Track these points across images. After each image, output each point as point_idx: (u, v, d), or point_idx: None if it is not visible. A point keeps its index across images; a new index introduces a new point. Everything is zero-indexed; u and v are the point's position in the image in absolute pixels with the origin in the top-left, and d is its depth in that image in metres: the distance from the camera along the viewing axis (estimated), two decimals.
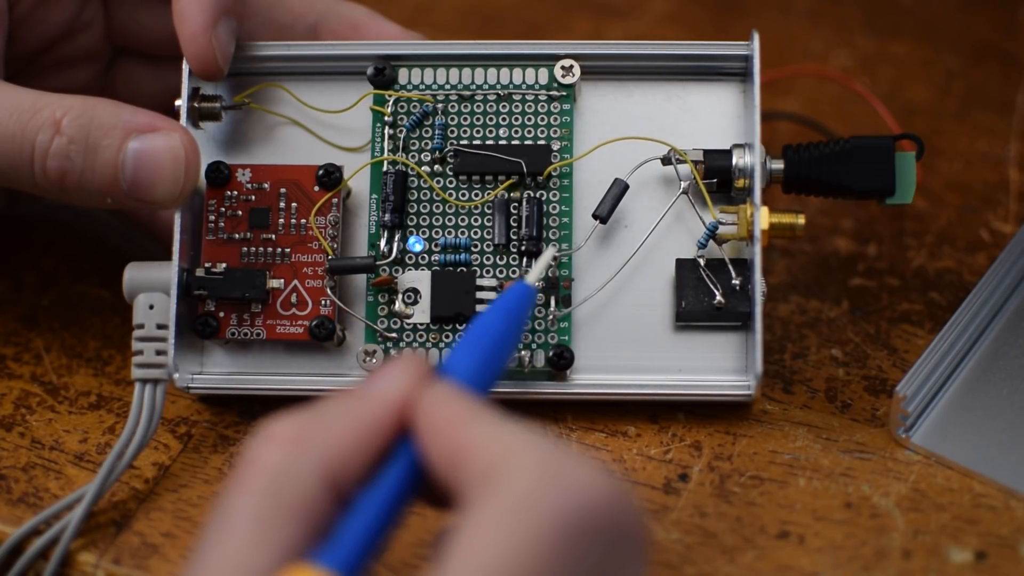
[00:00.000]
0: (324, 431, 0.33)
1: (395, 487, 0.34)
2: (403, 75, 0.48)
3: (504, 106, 0.48)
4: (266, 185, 0.48)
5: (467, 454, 0.33)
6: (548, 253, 0.42)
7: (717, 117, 0.48)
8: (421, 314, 0.47)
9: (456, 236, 0.47)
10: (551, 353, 0.46)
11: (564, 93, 0.48)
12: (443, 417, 0.34)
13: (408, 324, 0.47)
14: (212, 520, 0.33)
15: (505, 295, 0.38)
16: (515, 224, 0.47)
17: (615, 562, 0.32)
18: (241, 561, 0.32)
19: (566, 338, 0.47)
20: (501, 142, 0.48)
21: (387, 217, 0.47)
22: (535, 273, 0.39)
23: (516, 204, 0.47)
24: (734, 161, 0.46)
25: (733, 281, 0.46)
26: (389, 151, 0.48)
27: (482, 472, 0.32)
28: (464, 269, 0.47)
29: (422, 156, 0.48)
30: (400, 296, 0.47)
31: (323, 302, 0.47)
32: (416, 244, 0.47)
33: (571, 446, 0.46)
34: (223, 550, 0.32)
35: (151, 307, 0.46)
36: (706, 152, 0.47)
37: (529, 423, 0.34)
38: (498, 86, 0.48)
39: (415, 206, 0.48)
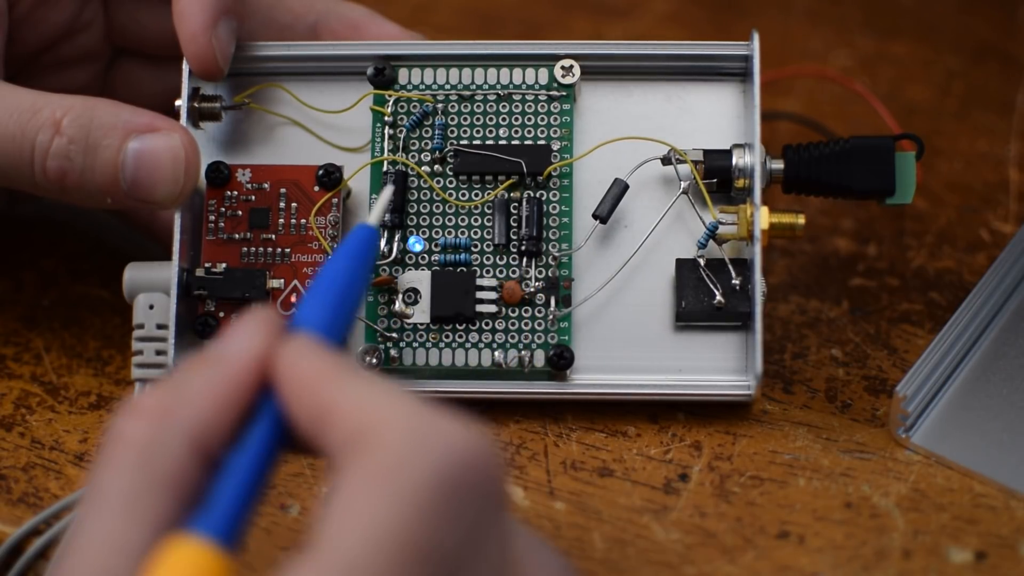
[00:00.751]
0: (186, 400, 0.33)
1: (262, 445, 0.33)
2: (403, 75, 0.48)
3: (504, 106, 0.48)
4: (266, 185, 0.48)
5: (332, 415, 0.32)
6: (387, 191, 0.41)
7: (717, 117, 0.48)
8: (421, 314, 0.47)
9: (456, 236, 0.47)
10: (551, 353, 0.46)
11: (564, 93, 0.48)
12: (304, 375, 0.33)
13: (408, 324, 0.47)
14: (83, 500, 0.33)
15: (348, 238, 0.37)
16: (515, 224, 0.47)
17: (489, 516, 0.32)
18: (115, 538, 0.31)
19: (566, 338, 0.47)
20: (501, 142, 0.48)
21: (387, 217, 0.47)
22: (375, 214, 0.38)
23: (516, 204, 0.47)
24: (734, 161, 0.46)
25: (733, 281, 0.46)
26: (389, 151, 0.48)
27: (350, 435, 0.32)
28: (464, 269, 0.47)
29: (422, 156, 0.48)
30: (400, 296, 0.47)
31: None
32: (416, 244, 0.47)
33: (570, 445, 0.46)
34: (95, 529, 0.32)
35: (151, 307, 0.46)
36: (706, 152, 0.47)
37: (391, 380, 0.34)
38: (498, 86, 0.48)
39: (415, 206, 0.48)
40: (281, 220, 0.48)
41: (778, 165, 0.47)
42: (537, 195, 0.47)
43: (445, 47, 0.48)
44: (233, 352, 0.34)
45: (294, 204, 0.48)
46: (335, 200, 0.47)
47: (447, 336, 0.47)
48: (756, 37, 0.47)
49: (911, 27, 0.63)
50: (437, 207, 0.48)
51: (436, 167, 0.48)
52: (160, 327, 0.46)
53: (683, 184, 0.47)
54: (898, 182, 0.46)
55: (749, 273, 0.46)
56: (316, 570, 0.30)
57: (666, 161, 0.47)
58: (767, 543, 0.43)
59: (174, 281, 0.46)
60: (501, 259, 0.47)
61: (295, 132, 0.49)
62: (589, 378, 0.47)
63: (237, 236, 0.47)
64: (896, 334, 0.50)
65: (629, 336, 0.47)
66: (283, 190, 0.48)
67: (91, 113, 0.44)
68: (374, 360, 0.46)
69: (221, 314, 0.47)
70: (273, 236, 0.47)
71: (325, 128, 0.49)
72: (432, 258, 0.47)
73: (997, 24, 0.63)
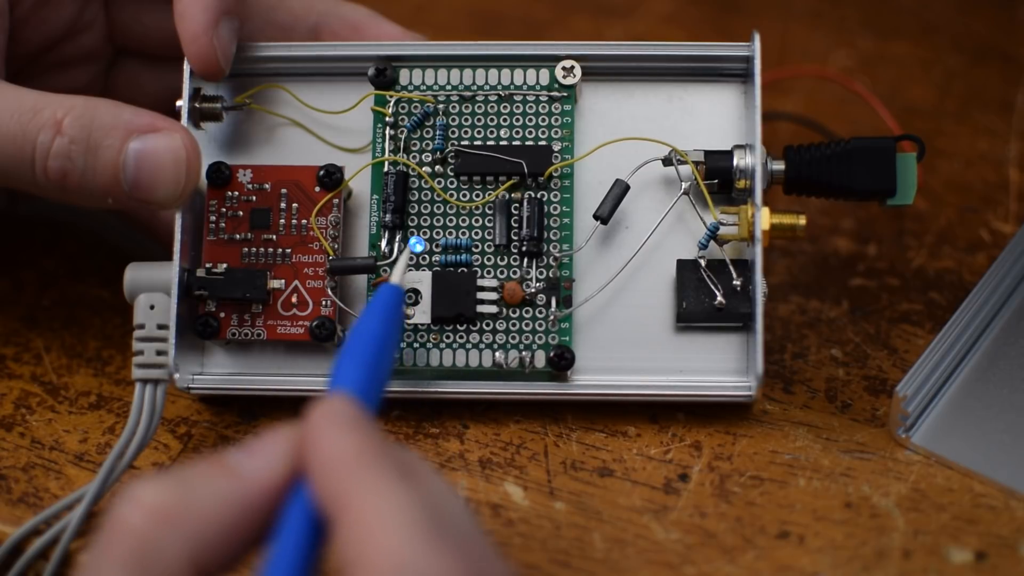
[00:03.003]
0: (193, 511, 0.32)
1: (299, 527, 0.33)
2: (404, 76, 0.48)
3: (505, 107, 0.48)
4: (267, 186, 0.48)
5: (342, 518, 0.32)
6: (404, 255, 0.42)
7: (718, 118, 0.48)
8: (422, 315, 0.47)
9: (457, 237, 0.47)
10: (552, 354, 0.46)
11: (565, 94, 0.48)
12: (329, 454, 0.33)
13: (409, 325, 0.47)
14: None
15: (375, 298, 0.38)
16: (516, 225, 0.47)
17: None
18: None
19: (567, 339, 0.47)
20: (502, 143, 0.48)
21: (388, 218, 0.47)
22: (397, 274, 0.39)
23: (517, 205, 0.47)
24: (735, 162, 0.47)
25: (734, 282, 0.46)
26: (390, 152, 0.48)
27: (345, 557, 0.31)
28: (465, 270, 0.47)
29: (423, 157, 0.48)
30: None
31: (324, 303, 0.47)
32: (417, 245, 0.47)
33: (571, 445, 0.46)
34: None
35: (152, 307, 0.46)
36: (707, 153, 0.47)
37: (411, 466, 0.33)
38: (499, 87, 0.48)
39: (416, 207, 0.48)
40: (282, 220, 0.48)
41: (779, 166, 0.47)
42: (538, 196, 0.47)
43: (446, 48, 0.48)
44: (252, 471, 0.33)
45: (295, 204, 0.48)
46: (336, 200, 0.47)
47: (448, 337, 0.47)
48: (757, 38, 0.47)
49: (911, 27, 0.63)
50: (438, 208, 0.48)
51: (437, 168, 0.48)
52: (161, 327, 0.46)
53: (684, 185, 0.47)
54: (899, 183, 0.46)
55: (750, 274, 0.46)
56: None
57: (667, 162, 0.47)
58: (767, 543, 0.43)
59: (175, 281, 0.46)
60: (502, 260, 0.47)
61: (296, 133, 0.49)
62: (590, 379, 0.47)
63: (238, 236, 0.47)
64: (896, 334, 0.50)
65: (630, 337, 0.47)
66: (284, 190, 0.48)
67: (92, 113, 0.44)
68: None
69: (222, 314, 0.47)
70: (274, 236, 0.47)
71: (326, 129, 0.49)
72: (433, 259, 0.47)
73: (997, 24, 0.63)
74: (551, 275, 0.47)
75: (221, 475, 0.33)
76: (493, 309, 0.47)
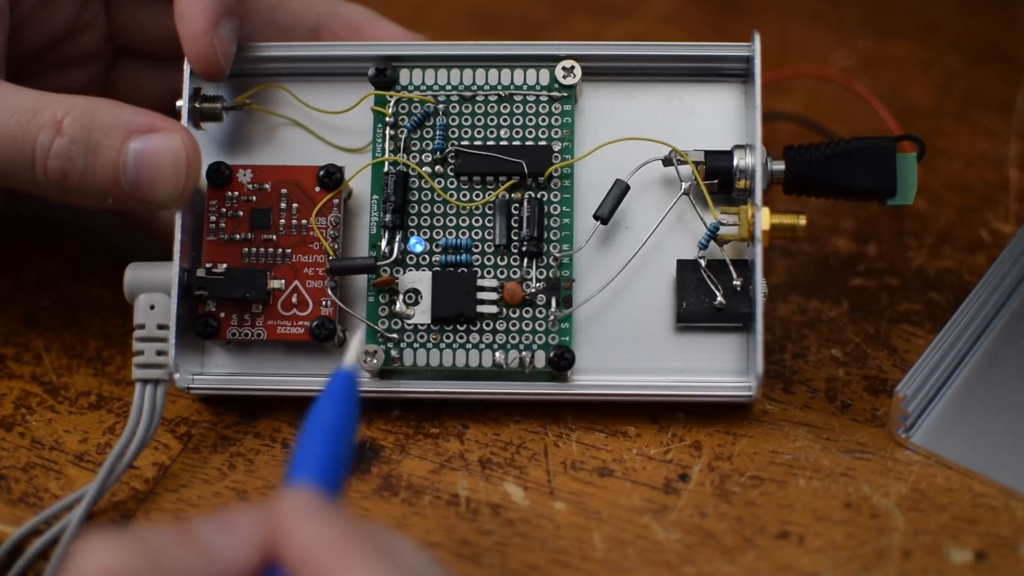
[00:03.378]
0: None
1: None
2: (404, 76, 0.48)
3: (505, 107, 0.48)
4: (267, 186, 0.48)
5: None
6: (357, 336, 0.41)
7: (718, 118, 0.48)
8: (422, 315, 0.47)
9: (457, 237, 0.47)
10: (552, 354, 0.46)
11: (565, 94, 0.48)
12: (305, 545, 0.32)
13: (409, 325, 0.47)
14: None
15: (329, 385, 0.37)
16: (516, 225, 0.47)
17: None
18: None
19: (567, 339, 0.47)
20: (502, 143, 0.48)
21: (388, 218, 0.47)
22: (350, 356, 0.38)
23: (517, 205, 0.47)
24: (735, 162, 0.47)
25: (734, 282, 0.46)
26: (390, 152, 0.48)
27: None
28: (465, 270, 0.47)
29: (423, 157, 0.48)
30: (401, 297, 0.47)
31: (324, 303, 0.47)
32: (417, 245, 0.47)
33: (571, 445, 0.46)
34: None
35: (152, 307, 0.46)
36: (707, 153, 0.47)
37: (383, 550, 0.33)
38: (499, 87, 0.48)
39: (416, 207, 0.48)
40: (282, 220, 0.48)
41: (779, 166, 0.47)
42: (538, 196, 0.47)
43: (446, 48, 0.48)
44: (222, 550, 0.32)
45: (295, 204, 0.48)
46: (336, 201, 0.47)
47: (448, 337, 0.47)
48: (757, 38, 0.47)
49: (911, 27, 0.63)
50: (438, 208, 0.48)
51: (437, 168, 0.48)
52: (161, 327, 0.46)
53: (684, 185, 0.47)
54: (899, 183, 0.46)
55: (750, 274, 0.46)
56: None
57: (667, 162, 0.47)
58: (767, 543, 0.43)
59: (175, 281, 0.46)
60: (502, 260, 0.47)
61: (296, 133, 0.49)
62: (590, 379, 0.47)
63: (238, 236, 0.47)
64: (896, 334, 0.50)
65: (630, 337, 0.47)
66: (284, 190, 0.48)
67: (92, 113, 0.44)
68: (375, 360, 0.46)
69: (222, 314, 0.47)
70: (274, 236, 0.47)
71: (326, 129, 0.49)
72: (433, 259, 0.47)
73: (997, 24, 0.63)
74: (551, 275, 0.47)
75: (189, 550, 0.31)
76: (493, 309, 0.47)
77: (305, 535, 0.32)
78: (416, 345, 0.47)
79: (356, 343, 0.39)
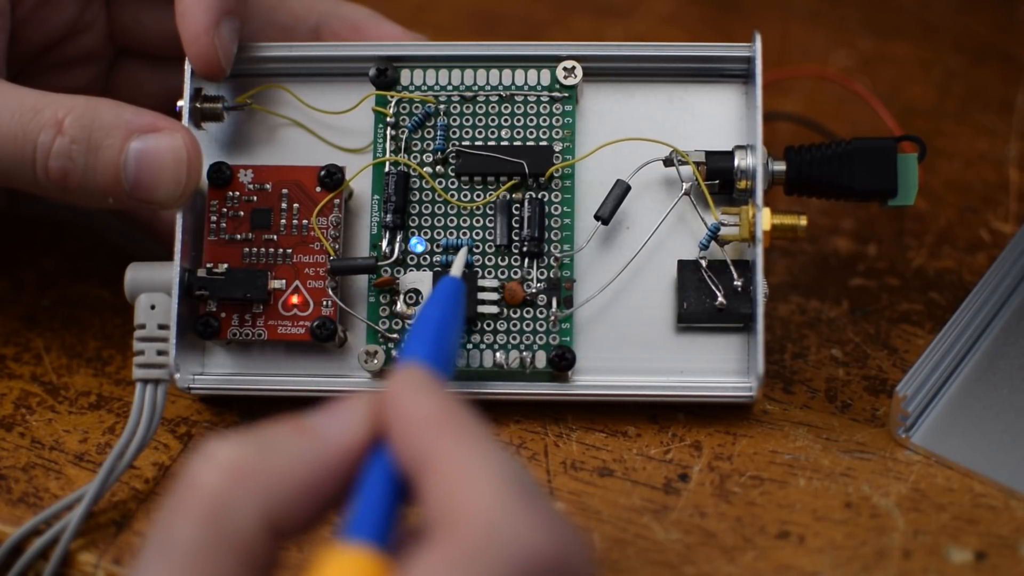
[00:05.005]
0: (270, 469, 0.32)
1: (384, 471, 0.33)
2: (405, 76, 0.48)
3: (506, 107, 0.48)
4: (268, 186, 0.48)
5: (428, 477, 0.32)
6: (463, 252, 0.43)
7: (719, 118, 0.48)
8: None
9: (458, 237, 0.47)
10: (553, 354, 0.46)
11: (566, 94, 0.48)
12: (411, 417, 0.33)
13: (409, 325, 0.47)
14: (150, 539, 0.32)
15: (437, 288, 0.39)
16: (517, 225, 0.47)
17: None
18: None
19: (568, 339, 0.47)
20: (503, 143, 0.48)
21: (389, 218, 0.47)
22: (456, 267, 0.40)
23: (518, 205, 0.47)
24: (736, 162, 0.47)
25: (735, 282, 0.46)
26: (391, 152, 0.48)
27: (436, 511, 0.31)
28: (466, 270, 0.47)
29: (424, 157, 0.48)
30: (402, 297, 0.47)
31: (325, 303, 0.47)
32: (418, 245, 0.47)
33: (571, 445, 0.46)
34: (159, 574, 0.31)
35: (152, 307, 0.46)
36: (708, 153, 0.47)
37: (491, 437, 0.33)
38: (500, 87, 0.48)
39: (417, 207, 0.48)
40: (283, 221, 0.47)
41: (780, 167, 0.47)
42: (539, 196, 0.47)
43: (447, 48, 0.48)
44: (333, 433, 0.33)
45: (296, 205, 0.48)
46: (337, 201, 0.47)
47: None
48: (758, 39, 0.47)
49: (911, 27, 0.63)
50: (439, 208, 0.48)
51: (438, 168, 0.48)
52: (161, 327, 0.46)
53: (685, 185, 0.47)
54: (900, 183, 0.46)
55: (751, 274, 0.46)
56: None
57: (668, 162, 0.47)
58: (767, 543, 0.43)
59: (175, 281, 0.46)
60: (503, 260, 0.47)
61: (297, 133, 0.49)
62: (591, 379, 0.47)
63: (239, 236, 0.47)
64: (896, 334, 0.50)
65: (631, 337, 0.47)
66: (285, 191, 0.48)
67: (93, 113, 0.43)
68: (375, 360, 0.46)
69: (222, 315, 0.47)
70: (275, 237, 0.47)
71: (327, 129, 0.49)
72: (434, 259, 0.47)
73: (997, 24, 0.63)
74: (552, 275, 0.47)
75: (300, 436, 0.32)
76: (494, 309, 0.47)
77: (414, 407, 0.33)
78: None
79: (462, 255, 0.42)
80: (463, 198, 0.48)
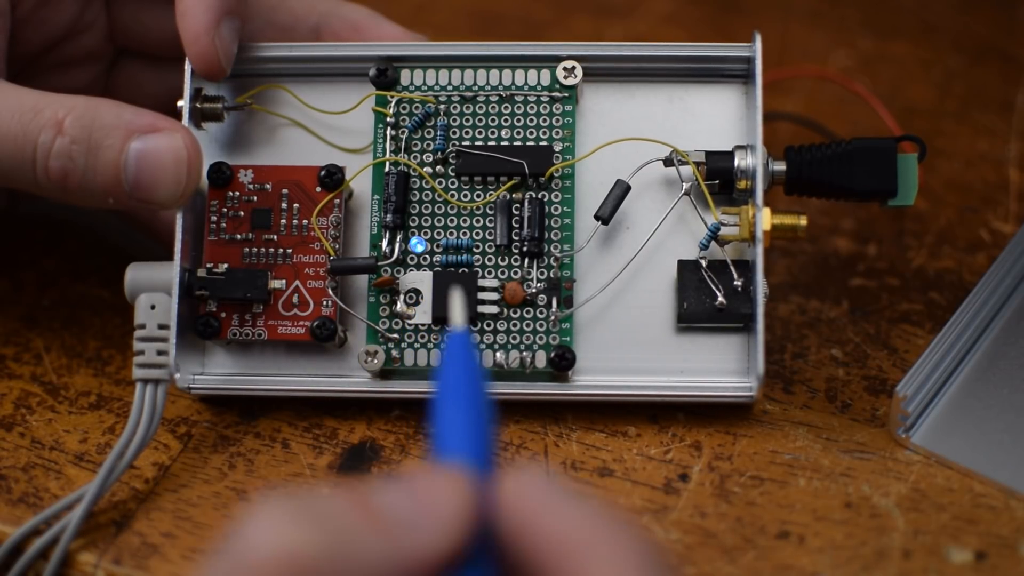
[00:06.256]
0: (343, 573, 0.26)
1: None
2: (405, 76, 0.48)
3: (506, 107, 0.48)
4: (268, 186, 0.48)
5: (547, 539, 0.28)
6: (456, 296, 0.35)
7: (719, 118, 0.48)
8: (423, 315, 0.47)
9: (458, 237, 0.47)
10: (553, 354, 0.46)
11: (566, 94, 0.48)
12: (528, 506, 0.28)
13: (410, 325, 0.47)
14: None
15: (447, 349, 0.33)
16: (517, 225, 0.47)
17: None
18: None
19: (568, 339, 0.47)
20: (503, 143, 0.48)
21: (389, 218, 0.47)
22: (456, 318, 0.35)
23: (518, 205, 0.47)
24: (736, 163, 0.47)
25: (735, 282, 0.46)
26: (391, 152, 0.48)
27: (560, 554, 0.28)
28: (466, 270, 0.47)
29: (424, 157, 0.48)
30: (402, 297, 0.47)
31: (324, 303, 0.47)
32: (418, 245, 0.47)
33: (571, 445, 0.46)
34: None
35: (153, 307, 0.46)
36: (708, 153, 0.47)
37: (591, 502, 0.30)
38: (500, 87, 0.48)
39: (417, 207, 0.48)
40: (283, 221, 0.48)
41: (780, 167, 0.47)
42: (539, 196, 0.47)
43: (447, 48, 0.48)
44: (418, 538, 0.27)
45: (296, 205, 0.48)
46: (337, 201, 0.47)
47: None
48: (758, 39, 0.47)
49: (911, 27, 0.63)
50: (439, 208, 0.48)
51: (438, 168, 0.48)
52: (162, 327, 0.46)
53: (685, 185, 0.47)
54: (900, 184, 0.46)
55: (751, 274, 0.46)
56: None
57: (668, 162, 0.47)
58: (767, 543, 0.43)
59: (176, 281, 0.46)
60: (503, 260, 0.47)
61: (297, 133, 0.49)
62: (591, 379, 0.47)
63: (239, 236, 0.47)
64: (896, 334, 0.50)
65: (631, 337, 0.47)
66: (285, 191, 0.48)
67: (93, 113, 0.44)
68: (375, 360, 0.46)
69: (222, 314, 0.47)
70: (275, 237, 0.47)
71: (327, 129, 0.49)
72: (434, 259, 0.47)
73: (997, 24, 0.63)
74: (552, 275, 0.47)
75: (380, 534, 0.27)
76: (494, 309, 0.47)
77: (556, 520, 0.28)
78: (417, 345, 0.47)
79: (456, 302, 0.35)
80: (463, 198, 0.48)
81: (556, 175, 0.47)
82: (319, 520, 0.27)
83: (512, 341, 0.47)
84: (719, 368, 0.47)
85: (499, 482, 0.29)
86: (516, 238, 0.47)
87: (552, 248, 0.47)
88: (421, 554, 0.27)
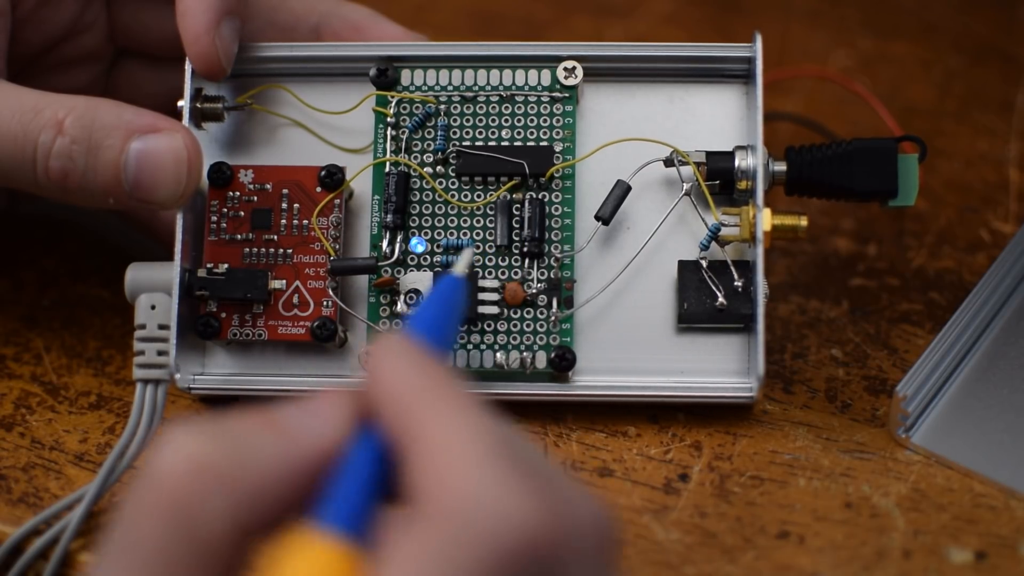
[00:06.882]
0: (244, 471, 0.29)
1: (371, 449, 0.30)
2: (405, 76, 0.48)
3: (507, 107, 0.48)
4: (268, 186, 0.48)
5: (413, 450, 0.30)
6: (467, 251, 0.38)
7: (719, 119, 0.48)
8: None
9: (458, 237, 0.47)
10: (553, 354, 0.46)
11: (567, 94, 0.48)
12: (398, 389, 0.30)
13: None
14: (113, 534, 0.30)
15: (437, 284, 0.36)
16: (517, 225, 0.47)
17: None
18: None
19: (568, 339, 0.47)
20: (503, 143, 0.48)
21: (389, 218, 0.47)
22: (460, 266, 0.36)
23: (518, 205, 0.47)
24: (737, 163, 0.47)
25: (735, 283, 0.46)
26: (391, 152, 0.48)
27: (419, 491, 0.29)
28: (468, 270, 0.47)
29: (424, 157, 0.48)
30: (402, 297, 0.47)
31: (325, 303, 0.47)
32: (418, 245, 0.47)
33: (571, 445, 0.46)
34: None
35: (153, 307, 0.46)
36: (708, 154, 0.47)
37: (477, 404, 0.30)
38: (500, 87, 0.48)
39: (417, 207, 0.48)
40: (283, 221, 0.47)
41: (781, 167, 0.47)
42: (539, 196, 0.47)
43: (448, 48, 0.48)
44: (310, 435, 0.30)
45: (296, 205, 0.48)
46: (337, 201, 0.47)
47: None
48: (759, 39, 0.47)
49: (911, 27, 0.63)
50: (439, 208, 0.48)
51: (438, 168, 0.48)
52: (162, 327, 0.46)
53: (685, 186, 0.47)
54: (901, 184, 0.46)
55: (751, 275, 0.46)
56: None
57: (668, 163, 0.47)
58: (767, 543, 0.43)
59: (176, 281, 0.46)
60: (503, 260, 0.47)
61: (297, 133, 0.49)
62: (591, 379, 0.47)
63: (239, 237, 0.47)
64: (896, 334, 0.50)
65: (631, 338, 0.47)
66: (285, 191, 0.48)
67: (93, 113, 0.43)
68: None
69: (223, 315, 0.47)
70: (275, 237, 0.47)
71: (327, 129, 0.49)
72: (434, 259, 0.47)
73: (997, 24, 0.63)
74: (552, 276, 0.47)
75: (274, 434, 0.30)
76: (494, 310, 0.47)
77: (395, 376, 0.30)
78: None
79: (466, 255, 0.37)
80: (463, 198, 0.48)
81: (556, 175, 0.47)
82: (224, 431, 0.30)
83: (512, 341, 0.47)
84: (719, 368, 0.47)
85: (369, 364, 0.31)
86: (516, 238, 0.47)
87: (552, 248, 0.47)
88: (309, 447, 0.30)
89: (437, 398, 0.30)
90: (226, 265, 0.47)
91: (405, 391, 0.30)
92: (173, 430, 0.30)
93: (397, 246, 0.47)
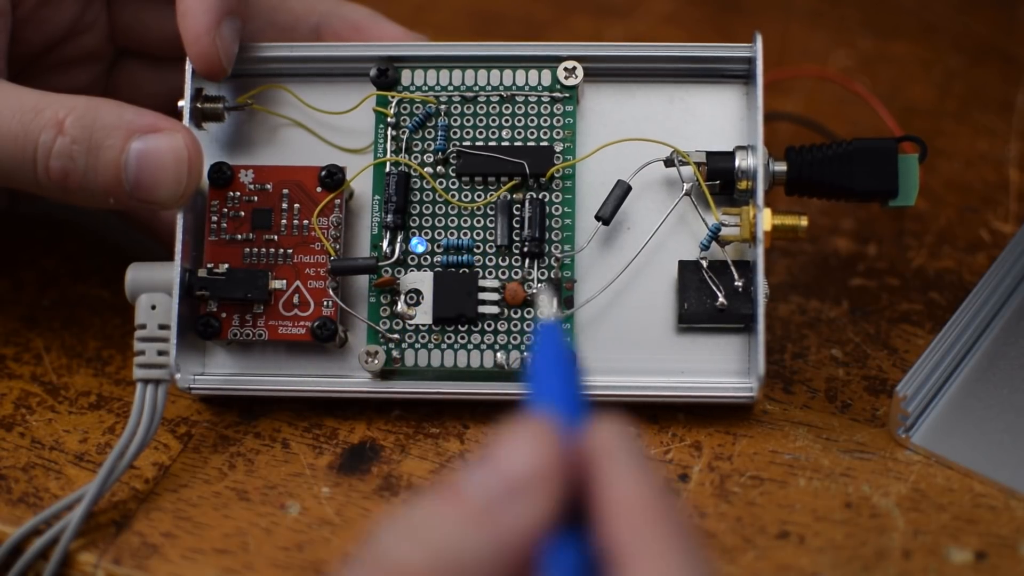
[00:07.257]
0: None
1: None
2: (406, 76, 0.48)
3: (507, 107, 0.48)
4: (268, 186, 0.48)
5: (628, 564, 0.28)
6: (546, 293, 0.36)
7: (720, 119, 0.48)
8: (423, 315, 0.47)
9: (458, 237, 0.47)
10: None
11: (567, 95, 0.48)
12: (626, 504, 0.29)
13: (410, 325, 0.47)
14: None
15: (538, 337, 0.33)
16: (517, 225, 0.47)
17: None
18: None
19: (568, 340, 0.47)
20: (504, 143, 0.48)
21: (389, 218, 0.47)
22: (545, 311, 0.34)
23: (519, 205, 0.47)
24: (737, 163, 0.47)
25: (736, 283, 0.46)
26: (392, 152, 0.48)
27: None
28: (466, 270, 0.47)
29: (425, 157, 0.48)
30: (402, 297, 0.47)
31: (325, 303, 0.47)
32: (418, 245, 0.47)
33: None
34: None
35: (153, 307, 0.46)
36: (709, 154, 0.47)
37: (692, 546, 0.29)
38: (501, 87, 0.48)
39: (418, 207, 0.48)
40: (283, 221, 0.48)
41: (781, 167, 0.47)
42: (540, 196, 0.47)
43: (448, 48, 0.48)
44: (515, 521, 0.29)
45: (296, 205, 0.48)
46: (338, 201, 0.47)
47: (449, 337, 0.47)
48: (759, 39, 0.47)
49: (911, 27, 0.63)
50: (440, 208, 0.48)
51: (439, 168, 0.48)
52: (162, 327, 0.46)
53: (686, 186, 0.47)
54: (901, 184, 0.46)
55: (752, 275, 0.46)
56: None
57: (669, 163, 0.47)
58: (767, 543, 0.43)
59: (176, 281, 0.46)
60: (503, 260, 0.47)
61: (298, 133, 0.49)
62: (591, 379, 0.47)
63: (239, 237, 0.47)
64: (896, 334, 0.50)
65: (631, 338, 0.47)
66: (285, 191, 0.48)
67: (94, 113, 0.43)
68: (376, 361, 0.46)
69: (223, 315, 0.47)
70: (275, 237, 0.47)
71: (328, 129, 0.49)
72: (434, 259, 0.47)
73: (997, 24, 0.63)
74: (552, 276, 0.47)
75: (476, 528, 0.29)
76: (495, 310, 0.47)
77: (625, 488, 0.29)
78: (417, 345, 0.47)
79: (547, 298, 0.35)
80: (464, 198, 0.48)
81: (557, 175, 0.47)
82: (434, 536, 0.28)
83: (513, 341, 0.47)
84: (719, 368, 0.47)
85: (587, 431, 0.30)
86: (517, 238, 0.47)
87: (553, 248, 0.47)
88: (520, 530, 0.29)
89: (663, 522, 0.29)
90: (226, 265, 0.47)
91: (634, 509, 0.29)
92: (379, 533, 0.29)
93: (397, 246, 0.47)
